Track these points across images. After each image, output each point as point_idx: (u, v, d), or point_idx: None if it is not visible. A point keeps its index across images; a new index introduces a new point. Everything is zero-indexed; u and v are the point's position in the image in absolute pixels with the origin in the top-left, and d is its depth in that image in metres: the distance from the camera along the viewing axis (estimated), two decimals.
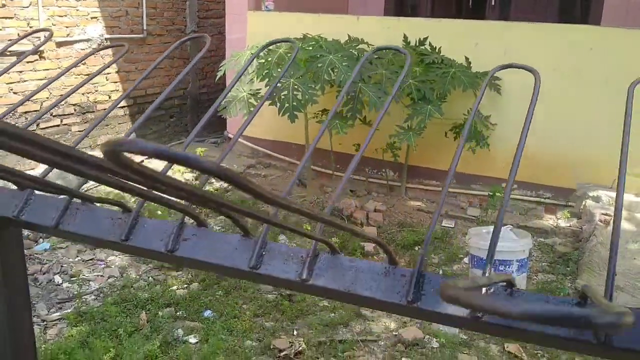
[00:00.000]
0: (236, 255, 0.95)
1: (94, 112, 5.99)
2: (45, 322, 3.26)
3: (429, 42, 4.94)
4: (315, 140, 0.97)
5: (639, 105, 1.17)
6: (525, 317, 0.34)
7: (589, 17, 6.88)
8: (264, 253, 0.95)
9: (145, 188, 0.67)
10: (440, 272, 4.02)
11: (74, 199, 1.10)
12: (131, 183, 0.85)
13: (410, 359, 3.05)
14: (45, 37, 1.49)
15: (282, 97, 4.28)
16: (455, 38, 5.01)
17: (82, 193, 1.05)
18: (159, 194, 0.87)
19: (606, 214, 4.13)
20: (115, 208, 1.08)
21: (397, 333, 3.27)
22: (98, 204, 1.12)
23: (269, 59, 4.50)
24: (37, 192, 1.14)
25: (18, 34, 5.17)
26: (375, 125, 0.96)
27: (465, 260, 4.12)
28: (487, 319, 0.82)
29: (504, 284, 0.84)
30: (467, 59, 4.85)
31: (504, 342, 3.13)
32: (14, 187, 1.16)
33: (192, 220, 1.01)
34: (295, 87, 4.28)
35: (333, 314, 3.44)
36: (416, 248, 4.39)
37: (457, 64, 4.76)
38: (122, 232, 1.02)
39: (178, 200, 0.82)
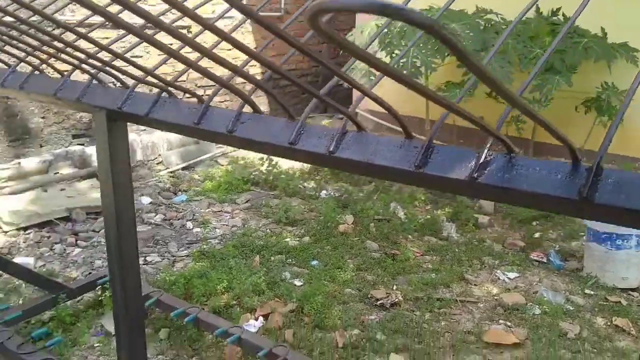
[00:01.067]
0: (281, 134, 1.11)
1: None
2: (174, 257, 3.69)
3: (562, 12, 4.70)
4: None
5: None
6: (366, 8, 0.43)
7: None
8: (302, 132, 1.09)
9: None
10: (557, 247, 3.86)
11: (163, 94, 1.32)
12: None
13: (508, 322, 3.01)
14: None
15: (401, 64, 4.35)
16: (591, 8, 4.70)
17: (175, 84, 1.27)
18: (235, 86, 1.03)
19: None
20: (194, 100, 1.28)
21: (498, 297, 3.24)
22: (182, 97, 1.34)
23: (392, 29, 4.58)
24: (137, 90, 1.39)
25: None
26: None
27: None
28: (482, 180, 0.89)
29: (505, 151, 0.90)
30: (602, 29, 4.54)
31: (612, 316, 2.97)
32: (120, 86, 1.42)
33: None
34: (415, 54, 4.32)
35: (434, 275, 3.48)
36: (533, 223, 4.25)
37: (590, 34, 4.48)
38: (195, 118, 1.22)
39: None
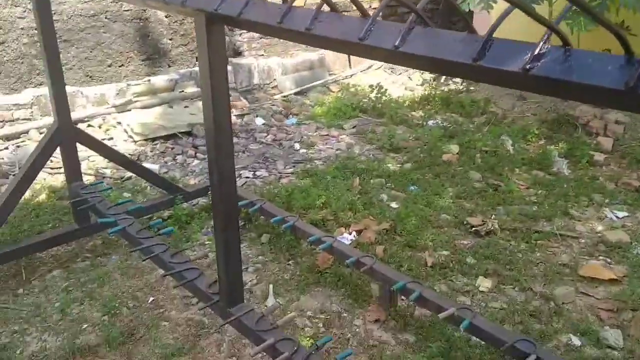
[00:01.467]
0: (352, 31, 1.18)
1: (349, 11, 6.48)
2: (280, 174, 3.91)
3: None
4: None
5: None
6: None
7: None
8: (372, 29, 1.14)
9: None
10: None
11: None
12: None
13: (608, 258, 2.91)
14: None
15: None
16: None
17: None
18: None
19: None
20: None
21: (601, 234, 3.12)
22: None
23: None
24: None
25: None
26: None
27: None
28: (534, 72, 0.91)
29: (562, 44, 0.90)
30: None
31: None
32: None
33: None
34: None
35: (537, 208, 3.40)
36: None
37: None
38: (278, 17, 1.31)
39: None
